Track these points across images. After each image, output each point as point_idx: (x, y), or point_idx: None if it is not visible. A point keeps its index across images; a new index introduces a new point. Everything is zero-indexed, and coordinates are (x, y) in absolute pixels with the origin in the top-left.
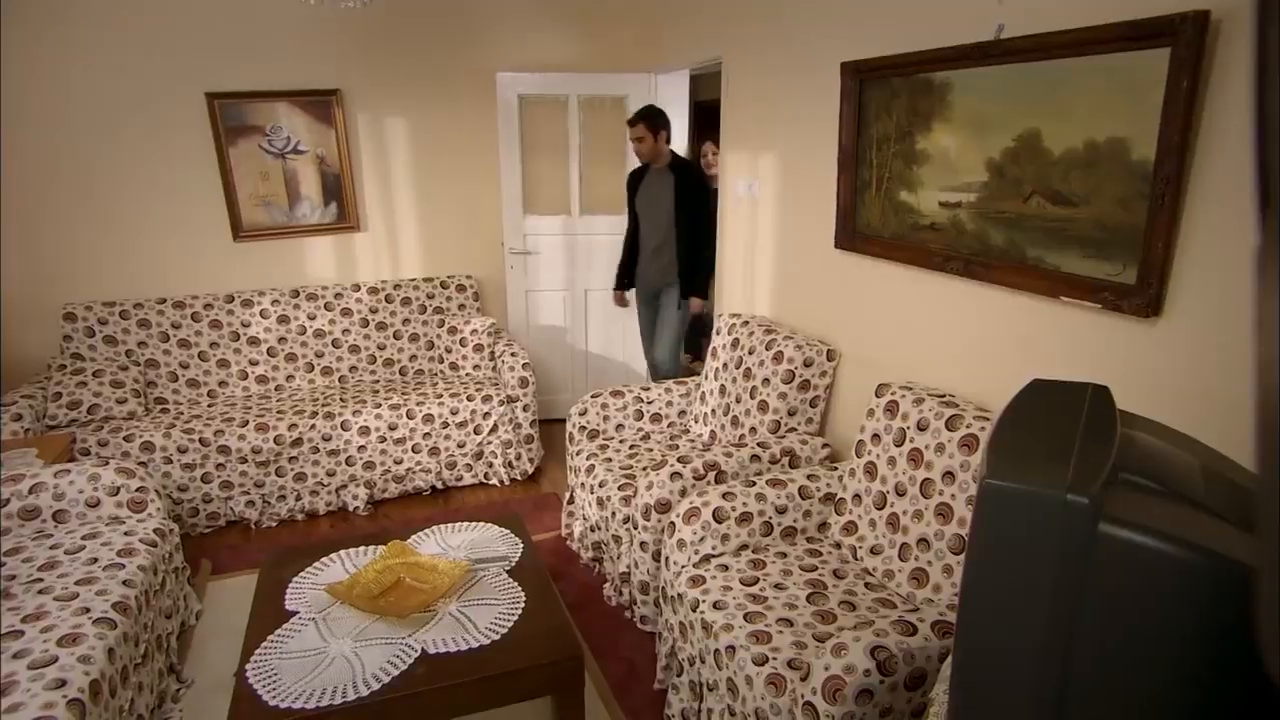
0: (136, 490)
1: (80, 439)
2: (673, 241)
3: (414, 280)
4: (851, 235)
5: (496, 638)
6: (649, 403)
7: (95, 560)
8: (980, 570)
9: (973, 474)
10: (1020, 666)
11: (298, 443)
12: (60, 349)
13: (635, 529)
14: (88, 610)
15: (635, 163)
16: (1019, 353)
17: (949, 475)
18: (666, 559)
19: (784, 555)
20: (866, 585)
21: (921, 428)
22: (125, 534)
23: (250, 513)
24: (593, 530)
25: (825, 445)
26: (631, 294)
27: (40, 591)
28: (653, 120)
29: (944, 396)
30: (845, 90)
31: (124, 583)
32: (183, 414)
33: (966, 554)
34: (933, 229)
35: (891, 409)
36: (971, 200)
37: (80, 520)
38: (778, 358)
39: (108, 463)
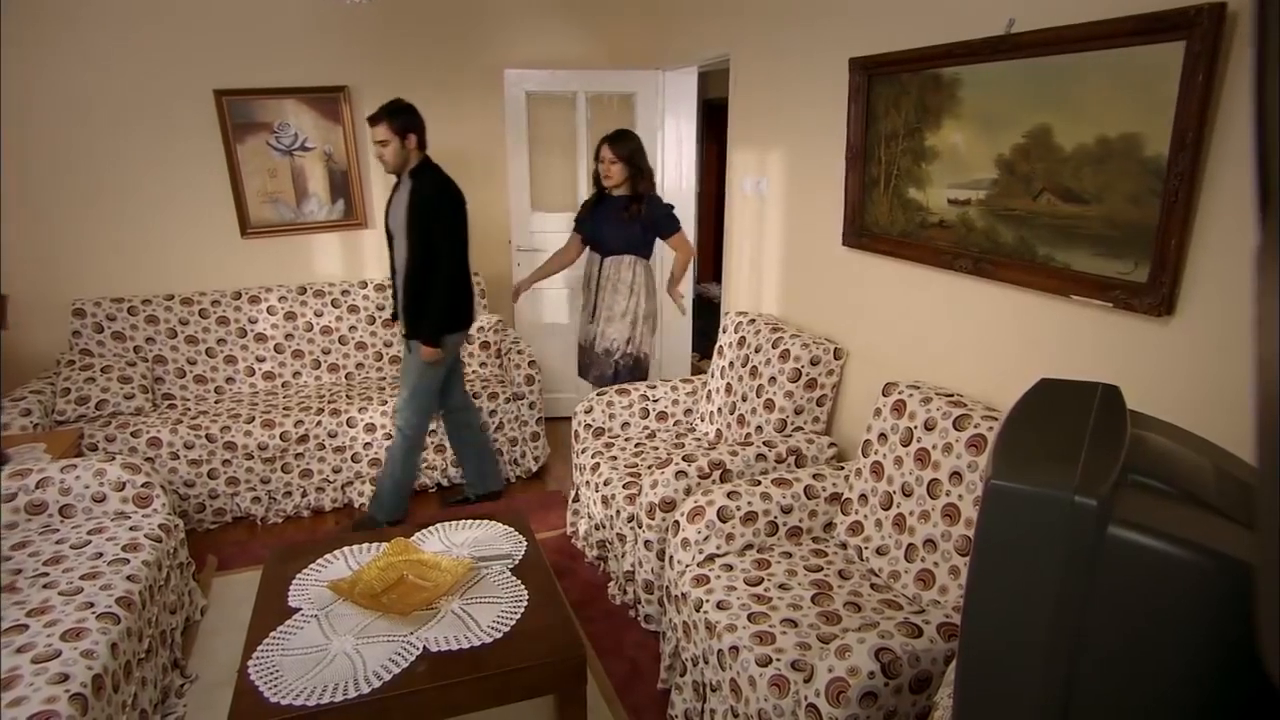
0: (142, 485)
1: (88, 434)
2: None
3: None
4: (859, 233)
5: (499, 636)
6: (655, 401)
7: (100, 555)
8: (985, 572)
9: (980, 474)
10: (1025, 670)
11: (304, 439)
12: (69, 345)
13: (639, 528)
14: (92, 605)
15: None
16: (1028, 352)
17: (956, 476)
18: (671, 558)
19: (789, 555)
20: (872, 586)
21: (929, 427)
22: (130, 529)
23: (256, 509)
24: (597, 529)
25: (832, 444)
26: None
27: (45, 586)
28: (399, 118)
29: (952, 396)
30: (853, 86)
31: (128, 578)
32: (190, 410)
33: (971, 556)
34: (941, 226)
35: (899, 408)
36: (981, 197)
37: (86, 515)
38: (784, 356)
39: (114, 458)
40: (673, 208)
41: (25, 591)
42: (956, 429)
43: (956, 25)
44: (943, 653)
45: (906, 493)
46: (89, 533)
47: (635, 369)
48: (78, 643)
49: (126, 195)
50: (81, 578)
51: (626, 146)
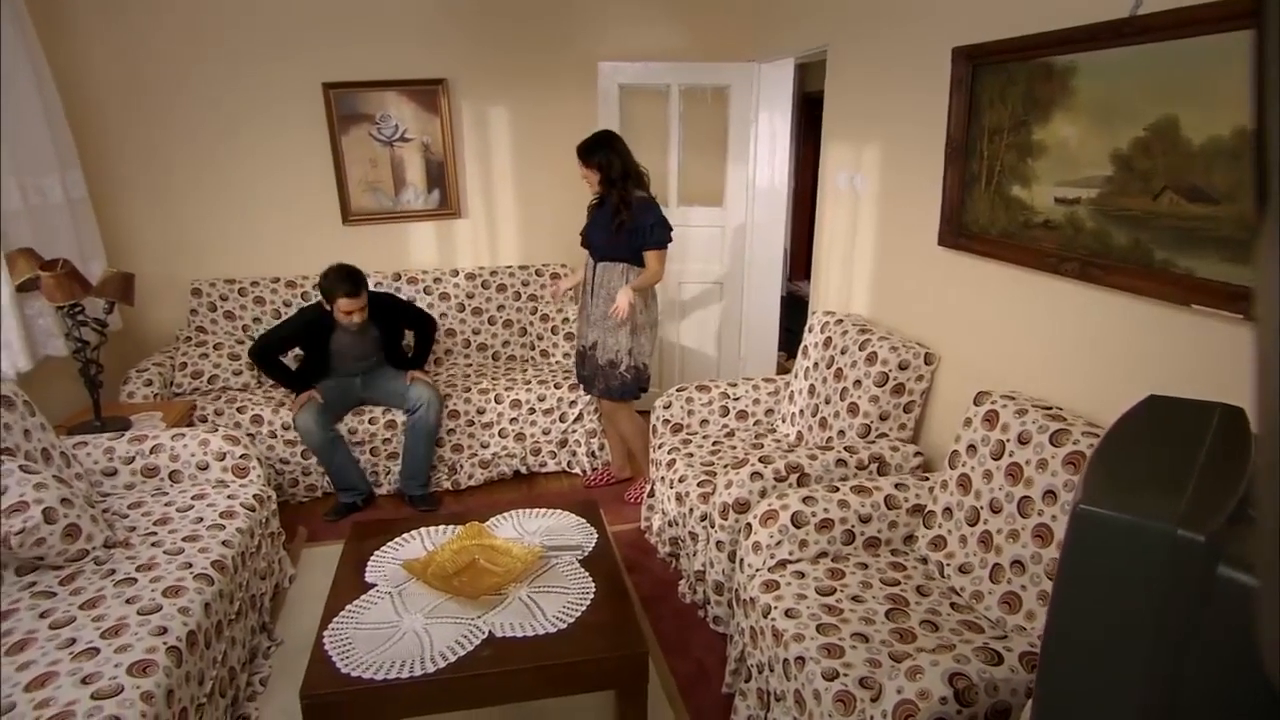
0: (240, 457)
1: (200, 407)
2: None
3: (510, 267)
4: (957, 232)
5: (563, 626)
6: (735, 399)
7: (201, 520)
8: (1069, 608)
9: None
10: (1110, 717)
11: (391, 424)
12: (187, 322)
13: (712, 527)
14: (190, 565)
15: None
16: (1138, 365)
17: (1050, 494)
18: (741, 561)
19: (865, 566)
20: (952, 605)
21: (1023, 441)
22: (228, 497)
23: None
24: (670, 525)
25: (918, 453)
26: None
27: (153, 544)
28: None
29: (1050, 409)
30: (956, 77)
31: (223, 543)
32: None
33: (1054, 588)
34: (1046, 227)
35: (990, 419)
36: (1092, 196)
37: (192, 481)
38: (871, 359)
39: (217, 429)
40: (661, 220)
41: (137, 548)
42: (1053, 444)
43: (1073, 9)
44: (1024, 684)
45: (995, 509)
46: (193, 498)
47: (638, 380)
48: (176, 599)
49: (242, 183)
50: (184, 539)
51: (596, 155)
